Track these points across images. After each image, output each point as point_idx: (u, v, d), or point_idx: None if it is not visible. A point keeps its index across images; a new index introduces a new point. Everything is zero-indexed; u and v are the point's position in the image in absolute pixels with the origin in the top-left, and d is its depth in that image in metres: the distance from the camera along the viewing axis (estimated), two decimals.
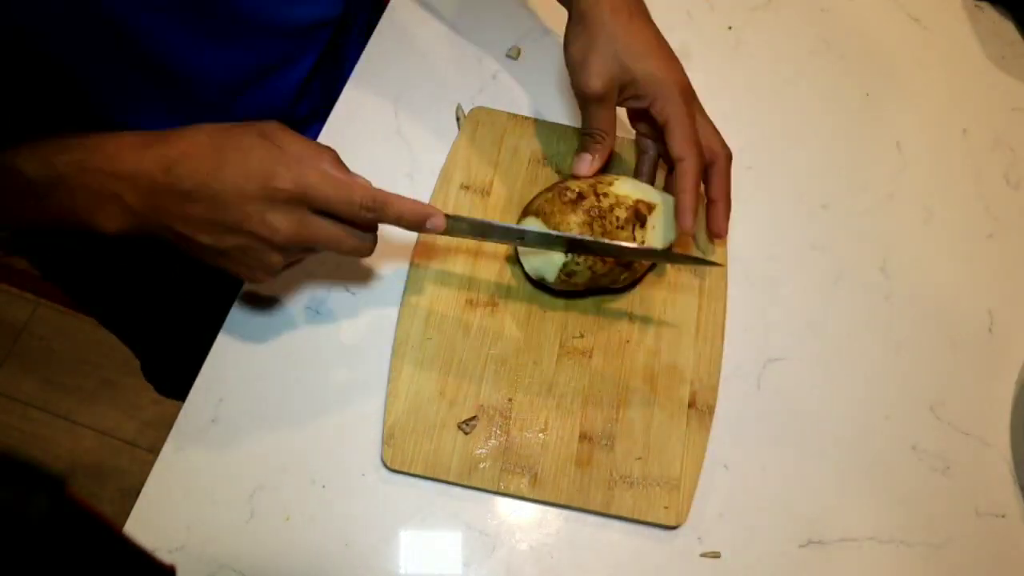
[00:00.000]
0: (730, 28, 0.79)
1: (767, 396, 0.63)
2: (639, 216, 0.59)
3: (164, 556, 0.50)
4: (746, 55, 0.78)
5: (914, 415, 0.63)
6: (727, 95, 0.75)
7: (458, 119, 0.70)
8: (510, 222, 0.64)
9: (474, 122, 0.69)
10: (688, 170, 0.58)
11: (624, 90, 0.60)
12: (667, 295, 0.64)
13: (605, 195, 0.59)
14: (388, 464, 0.57)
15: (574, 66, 0.60)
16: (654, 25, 0.61)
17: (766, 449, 0.61)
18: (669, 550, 0.57)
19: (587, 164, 0.60)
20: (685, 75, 0.61)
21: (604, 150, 0.60)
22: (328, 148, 0.51)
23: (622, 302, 0.63)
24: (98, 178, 0.48)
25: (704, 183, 0.61)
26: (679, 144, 0.58)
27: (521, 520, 0.57)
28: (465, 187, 0.66)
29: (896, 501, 0.60)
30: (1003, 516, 0.61)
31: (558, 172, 0.67)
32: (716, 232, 0.62)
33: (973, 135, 0.76)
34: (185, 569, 0.53)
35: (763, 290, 0.67)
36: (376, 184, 0.67)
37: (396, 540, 0.56)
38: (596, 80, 0.59)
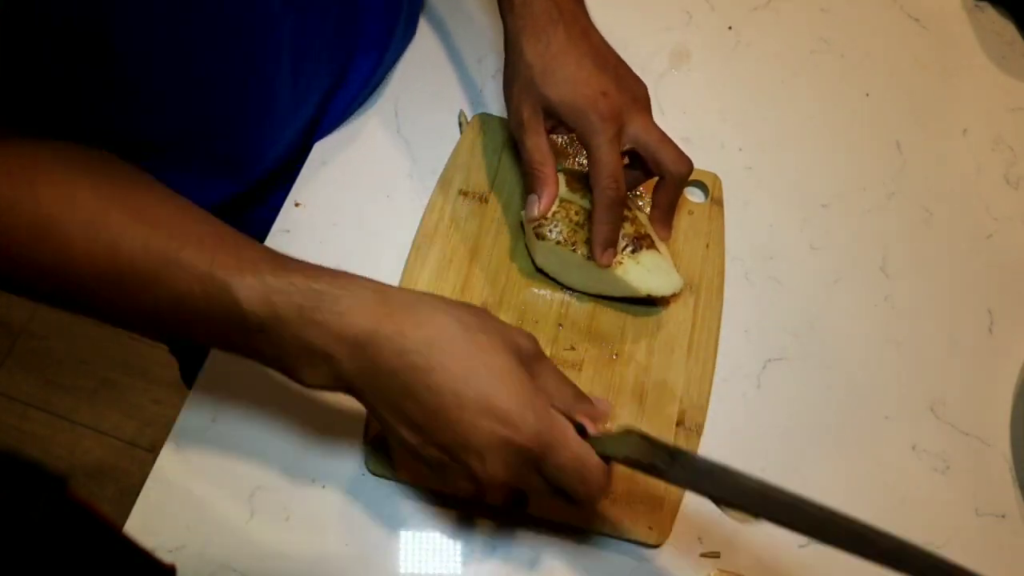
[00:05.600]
0: (730, 28, 0.79)
1: (767, 396, 0.63)
2: (637, 243, 0.59)
3: (164, 556, 0.50)
4: (746, 55, 0.78)
5: (914, 415, 0.63)
6: (727, 95, 0.76)
7: (460, 124, 0.70)
8: (508, 233, 0.64)
9: (476, 128, 0.69)
10: (598, 203, 0.56)
11: (548, 118, 0.58)
12: (661, 311, 0.63)
13: (630, 206, 0.60)
14: (372, 470, 0.56)
15: (506, 100, 0.60)
16: (585, 43, 0.58)
17: (766, 449, 0.61)
18: (669, 550, 0.57)
19: (534, 205, 0.58)
20: (615, 95, 0.56)
21: (548, 183, 0.58)
22: (573, 385, 0.47)
23: (616, 316, 0.63)
24: (320, 334, 0.42)
25: (655, 190, 0.60)
26: (592, 175, 0.56)
27: (521, 520, 0.57)
28: (464, 193, 0.66)
29: (896, 501, 0.60)
30: (1003, 516, 0.61)
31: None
32: (658, 235, 0.61)
33: (973, 135, 0.76)
34: (185, 569, 0.53)
35: (763, 290, 0.67)
36: (374, 183, 0.68)
37: (396, 540, 0.56)
38: (519, 110, 0.58)
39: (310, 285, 0.43)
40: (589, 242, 0.58)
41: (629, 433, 0.46)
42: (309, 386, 0.45)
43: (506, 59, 0.61)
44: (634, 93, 0.58)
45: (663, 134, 0.58)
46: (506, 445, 0.42)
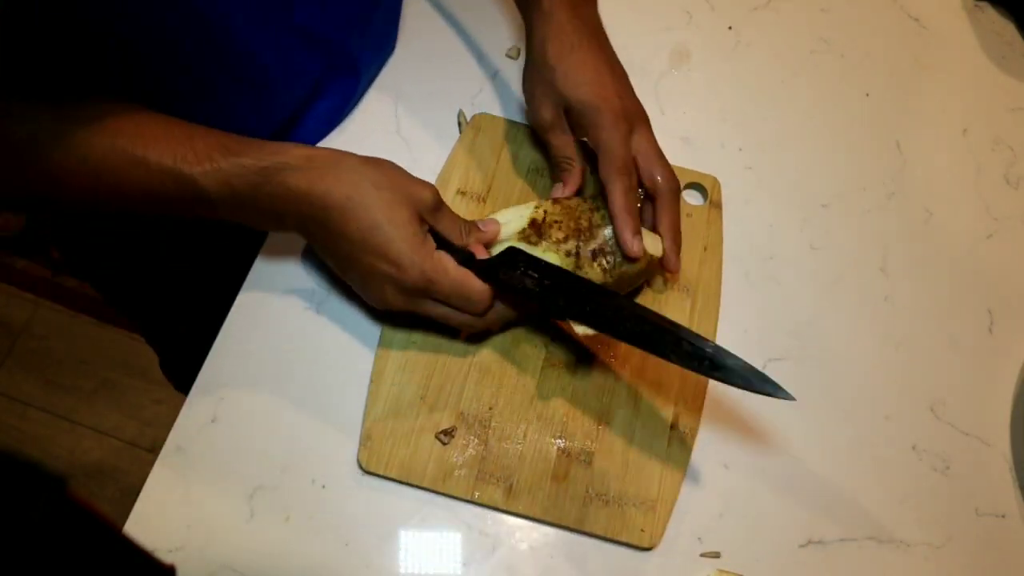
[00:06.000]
0: (730, 28, 0.79)
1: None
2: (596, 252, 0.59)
3: (164, 556, 0.50)
4: (746, 55, 0.78)
5: (914, 415, 0.63)
6: (727, 95, 0.76)
7: (459, 124, 0.70)
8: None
9: (475, 128, 0.69)
10: (614, 193, 0.58)
11: (568, 118, 0.62)
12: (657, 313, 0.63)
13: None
14: (363, 466, 0.57)
15: (527, 101, 0.65)
16: (603, 54, 0.63)
17: (766, 449, 0.61)
18: (669, 550, 0.57)
19: (559, 191, 0.62)
20: (628, 101, 0.61)
21: (573, 175, 0.62)
22: (465, 222, 0.57)
23: None
24: (269, 201, 0.53)
25: (653, 218, 0.61)
26: (604, 169, 0.59)
27: (521, 520, 0.57)
28: (462, 193, 0.66)
29: (896, 501, 0.60)
30: (1003, 516, 0.61)
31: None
32: (667, 268, 0.61)
33: (973, 135, 0.76)
34: (185, 569, 0.53)
35: (763, 290, 0.67)
36: None
37: (396, 540, 0.56)
38: (541, 111, 0.63)
39: (257, 164, 0.52)
40: (587, 230, 0.59)
41: (511, 252, 0.57)
42: (265, 230, 0.59)
43: (528, 61, 0.64)
44: (640, 107, 0.63)
45: (661, 151, 0.62)
46: (397, 281, 0.54)
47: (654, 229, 0.61)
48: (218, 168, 0.52)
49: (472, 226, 0.58)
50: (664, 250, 0.60)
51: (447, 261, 0.54)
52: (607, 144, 0.59)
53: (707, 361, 0.53)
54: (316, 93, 0.67)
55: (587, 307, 0.55)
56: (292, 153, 0.53)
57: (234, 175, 0.52)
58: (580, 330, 0.55)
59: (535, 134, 0.69)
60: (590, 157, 0.63)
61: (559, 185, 0.62)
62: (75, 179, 0.52)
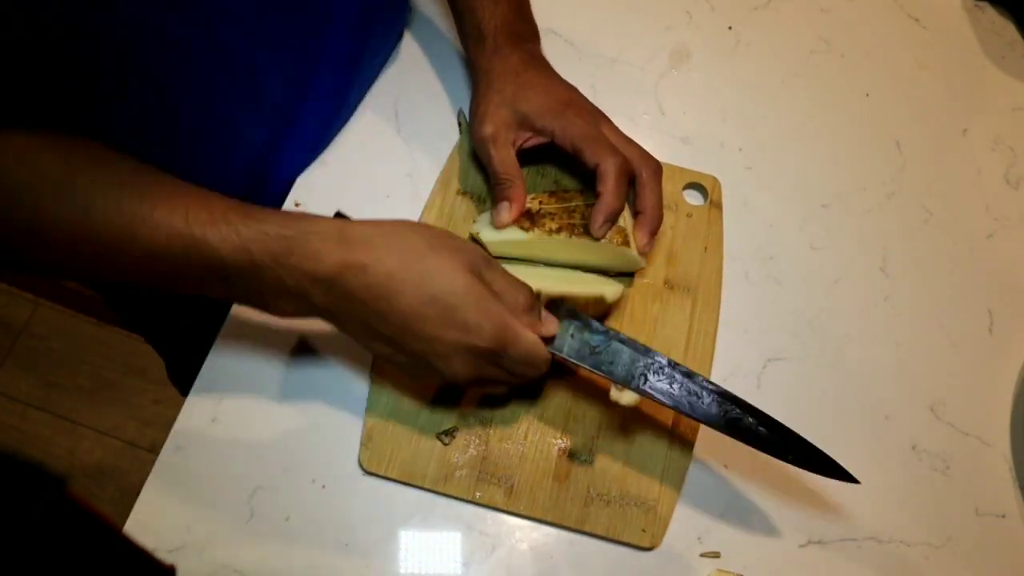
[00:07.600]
0: (730, 28, 0.79)
1: (767, 396, 0.63)
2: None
3: (164, 556, 0.50)
4: (746, 55, 0.78)
5: (914, 415, 0.63)
6: (727, 95, 0.76)
7: (460, 124, 0.70)
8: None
9: None
10: (608, 171, 0.57)
11: (521, 130, 0.61)
12: (658, 313, 0.63)
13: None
14: (364, 466, 0.57)
15: (472, 123, 0.63)
16: (553, 75, 0.64)
17: None
18: (669, 550, 0.57)
19: (506, 211, 0.59)
20: (585, 104, 0.62)
21: (517, 193, 0.59)
22: (525, 287, 0.52)
23: (612, 319, 0.63)
24: (294, 276, 0.47)
25: (634, 196, 0.60)
26: (592, 153, 0.58)
27: (521, 520, 0.57)
28: (462, 193, 0.66)
29: (896, 501, 0.60)
30: (1003, 516, 0.61)
31: (556, 183, 0.67)
32: (638, 247, 0.59)
33: (973, 135, 0.76)
34: (185, 569, 0.53)
35: (763, 290, 0.67)
36: (374, 183, 0.68)
37: (396, 540, 0.56)
38: (486, 125, 0.61)
39: (280, 232, 0.46)
40: (580, 225, 0.59)
41: (568, 327, 0.54)
42: (283, 316, 0.50)
43: (473, 93, 0.64)
44: (598, 109, 0.63)
45: (629, 137, 0.61)
46: (469, 350, 0.49)
47: (637, 212, 0.60)
48: (236, 232, 0.46)
49: (530, 304, 0.52)
50: (642, 228, 0.59)
51: (518, 326, 0.50)
52: (584, 132, 0.58)
53: (787, 450, 0.54)
54: (299, 96, 0.65)
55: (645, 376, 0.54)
56: (321, 223, 0.48)
57: (254, 240, 0.46)
58: (626, 399, 0.53)
59: None
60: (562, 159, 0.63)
61: (504, 205, 0.59)
62: (70, 233, 0.45)
